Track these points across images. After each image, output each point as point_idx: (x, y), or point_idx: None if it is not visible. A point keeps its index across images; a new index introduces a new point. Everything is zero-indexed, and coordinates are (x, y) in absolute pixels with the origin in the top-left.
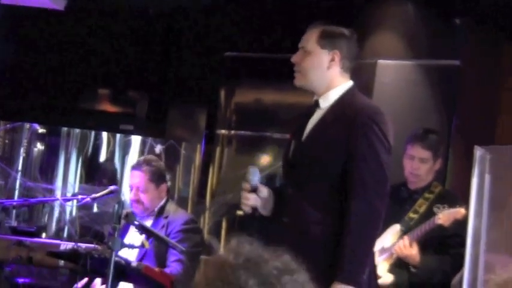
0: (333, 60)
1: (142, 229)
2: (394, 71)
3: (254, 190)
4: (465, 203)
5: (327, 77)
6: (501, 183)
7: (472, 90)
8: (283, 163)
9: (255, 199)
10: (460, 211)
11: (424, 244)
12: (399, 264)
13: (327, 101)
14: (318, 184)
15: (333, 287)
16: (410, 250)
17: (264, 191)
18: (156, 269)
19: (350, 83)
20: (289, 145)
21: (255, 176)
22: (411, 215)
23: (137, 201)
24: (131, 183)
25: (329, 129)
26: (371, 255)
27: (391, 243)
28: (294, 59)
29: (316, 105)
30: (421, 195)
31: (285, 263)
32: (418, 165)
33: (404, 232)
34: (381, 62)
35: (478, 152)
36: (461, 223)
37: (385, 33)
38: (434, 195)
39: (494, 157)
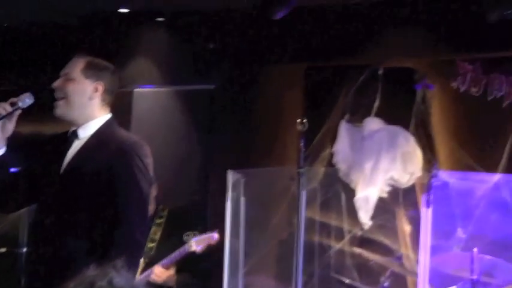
0: (96, 91)
1: None
2: (150, 98)
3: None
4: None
5: (89, 107)
6: (256, 205)
7: (227, 114)
8: (29, 196)
9: (4, 109)
10: (214, 236)
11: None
12: None
13: (86, 131)
14: (79, 215)
15: None
16: (167, 273)
17: (10, 128)
18: None
19: (109, 115)
20: (35, 176)
21: (20, 100)
22: (149, 244)
23: None
24: None
25: (90, 160)
26: None
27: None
28: (55, 84)
29: (74, 135)
30: (152, 222)
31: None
32: None
33: (147, 263)
34: (137, 90)
35: (231, 175)
36: (215, 246)
37: (140, 61)
38: (165, 218)
39: (248, 180)
